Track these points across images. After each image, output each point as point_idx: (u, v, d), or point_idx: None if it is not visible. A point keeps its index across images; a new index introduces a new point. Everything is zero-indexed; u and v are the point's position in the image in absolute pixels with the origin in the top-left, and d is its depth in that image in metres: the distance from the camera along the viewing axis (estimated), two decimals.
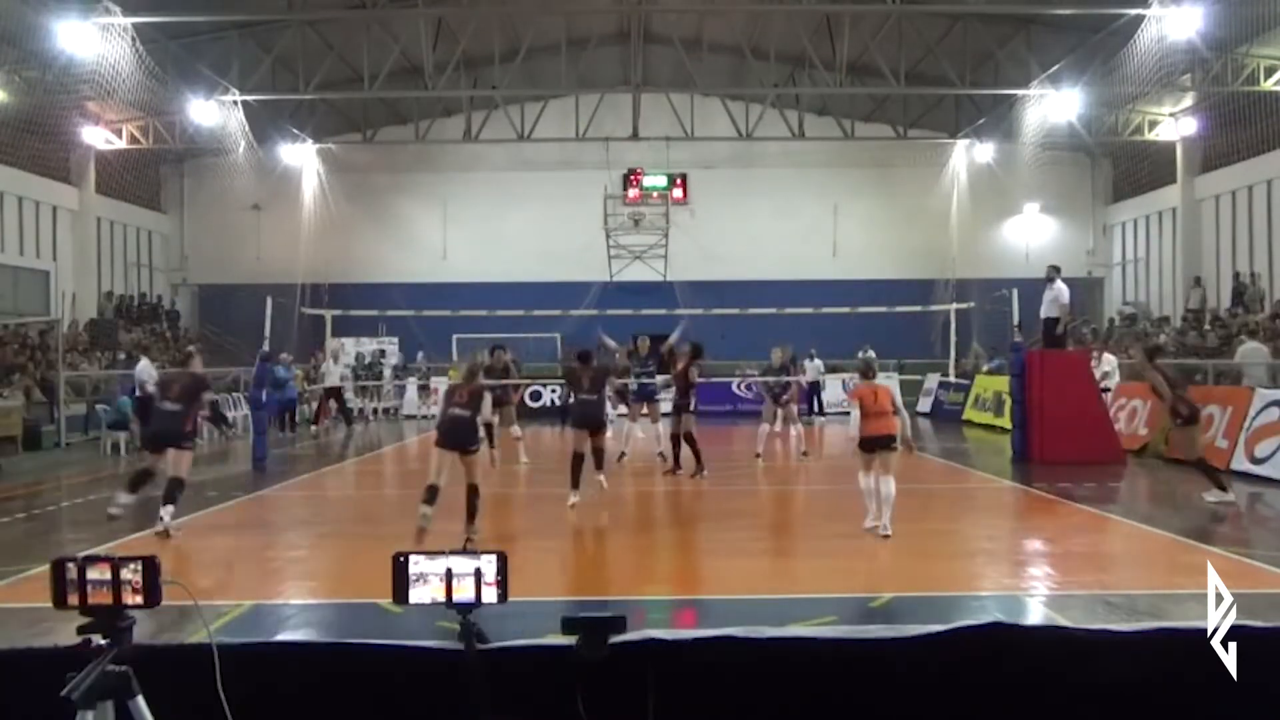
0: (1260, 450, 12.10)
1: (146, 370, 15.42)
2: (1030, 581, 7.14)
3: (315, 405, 21.93)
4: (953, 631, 2.36)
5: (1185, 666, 2.29)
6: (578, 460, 10.14)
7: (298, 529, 9.84)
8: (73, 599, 2.07)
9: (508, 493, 12.16)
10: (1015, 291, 15.05)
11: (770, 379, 14.59)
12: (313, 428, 21.16)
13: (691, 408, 12.69)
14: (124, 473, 11.10)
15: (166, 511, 8.51)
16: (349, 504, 12.03)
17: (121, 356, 22.01)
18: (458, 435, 8.34)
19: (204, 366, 10.12)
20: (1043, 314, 15.05)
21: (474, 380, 8.71)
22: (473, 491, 8.37)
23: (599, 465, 10.59)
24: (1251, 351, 16.56)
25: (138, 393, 15.47)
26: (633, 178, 27.22)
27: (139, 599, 2.07)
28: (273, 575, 7.50)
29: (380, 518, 10.72)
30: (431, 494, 8.14)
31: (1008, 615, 5.80)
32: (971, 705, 2.32)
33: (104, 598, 2.07)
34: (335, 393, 21.32)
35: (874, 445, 8.46)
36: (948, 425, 20.89)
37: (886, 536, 8.26)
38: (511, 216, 27.74)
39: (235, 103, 20.63)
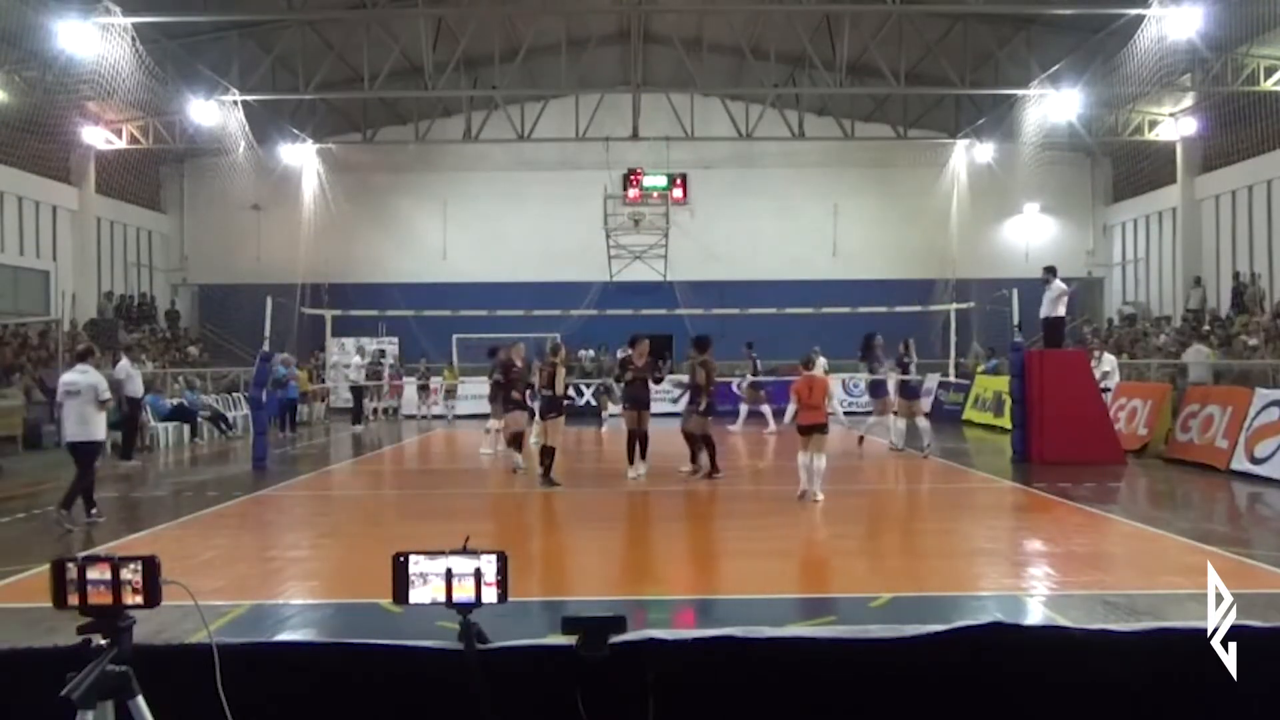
0: (1260, 450, 12.09)
1: (124, 369, 14.94)
2: (1030, 581, 7.14)
3: (319, 405, 22.02)
4: (953, 631, 2.35)
5: (1185, 666, 2.28)
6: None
7: (298, 529, 9.85)
8: (73, 599, 2.07)
9: (507, 491, 12.17)
10: (1015, 291, 15.05)
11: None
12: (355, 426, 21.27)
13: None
14: (508, 438, 13.81)
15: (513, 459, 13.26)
16: (349, 504, 12.03)
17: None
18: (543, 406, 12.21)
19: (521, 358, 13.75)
20: (1043, 314, 15.09)
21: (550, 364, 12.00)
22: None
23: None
24: (1193, 353, 18.37)
25: (119, 393, 14.22)
26: (633, 178, 27.13)
27: (139, 599, 2.06)
28: (273, 575, 7.49)
29: (380, 518, 10.74)
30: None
31: (1008, 615, 5.80)
32: (971, 705, 2.31)
33: (104, 598, 2.06)
34: (354, 392, 21.67)
35: (808, 430, 10.35)
36: (948, 425, 20.86)
37: (818, 501, 10.14)
38: (511, 216, 27.74)
39: (235, 103, 20.60)
